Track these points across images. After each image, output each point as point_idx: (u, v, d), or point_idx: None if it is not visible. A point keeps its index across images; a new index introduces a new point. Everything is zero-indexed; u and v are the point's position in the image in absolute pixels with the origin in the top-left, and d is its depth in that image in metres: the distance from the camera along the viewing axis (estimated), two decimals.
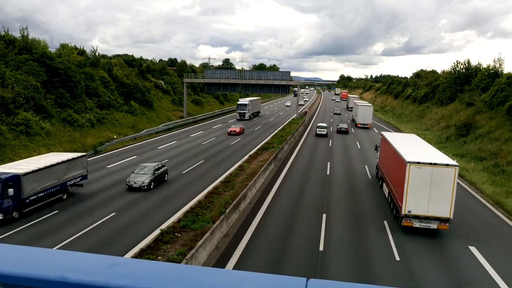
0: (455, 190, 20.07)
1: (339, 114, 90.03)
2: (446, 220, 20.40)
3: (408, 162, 20.58)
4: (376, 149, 34.88)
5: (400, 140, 27.18)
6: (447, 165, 20.34)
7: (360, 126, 66.18)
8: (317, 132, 55.39)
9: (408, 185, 20.66)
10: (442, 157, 22.32)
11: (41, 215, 22.06)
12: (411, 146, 25.28)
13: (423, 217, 20.62)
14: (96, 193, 26.39)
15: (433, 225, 20.65)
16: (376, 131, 61.89)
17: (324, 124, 57.23)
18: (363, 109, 66.86)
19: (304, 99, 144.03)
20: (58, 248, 16.49)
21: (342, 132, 56.50)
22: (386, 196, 26.32)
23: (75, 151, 38.46)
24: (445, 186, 20.19)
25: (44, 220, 21.56)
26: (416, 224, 20.81)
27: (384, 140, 29.69)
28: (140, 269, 1.43)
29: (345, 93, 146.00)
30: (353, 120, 74.39)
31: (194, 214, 21.84)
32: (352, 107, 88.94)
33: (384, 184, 27.81)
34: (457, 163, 20.78)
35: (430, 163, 20.52)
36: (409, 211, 20.77)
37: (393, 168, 24.82)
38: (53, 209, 23.10)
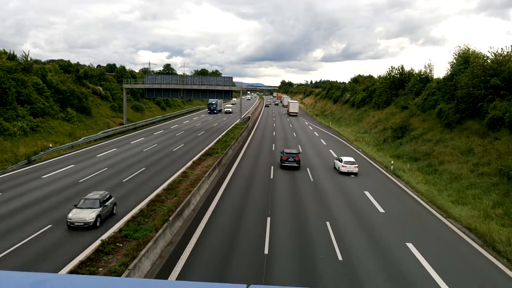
0: (298, 106, 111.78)
1: (275, 101, 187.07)
2: (297, 112, 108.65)
3: (289, 102, 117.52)
4: (284, 106, 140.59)
5: (290, 100, 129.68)
6: (297, 101, 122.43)
7: (284, 106, 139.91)
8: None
9: (289, 107, 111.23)
10: (296, 101, 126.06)
11: None
12: (291, 100, 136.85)
13: (292, 112, 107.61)
14: (29, 205, 24.93)
15: (294, 114, 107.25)
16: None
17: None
18: (286, 99, 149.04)
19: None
20: None
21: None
22: (284, 111, 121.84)
23: (5, 161, 36.27)
24: (296, 106, 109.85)
25: None
26: (291, 113, 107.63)
27: (288, 101, 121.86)
28: (71, 285, 1.30)
29: (280, 95, 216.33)
30: (282, 105, 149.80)
31: (136, 223, 21.22)
32: (281, 100, 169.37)
33: (285, 110, 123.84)
34: (296, 101, 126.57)
35: (293, 101, 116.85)
36: (288, 111, 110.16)
37: (287, 105, 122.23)
38: None
